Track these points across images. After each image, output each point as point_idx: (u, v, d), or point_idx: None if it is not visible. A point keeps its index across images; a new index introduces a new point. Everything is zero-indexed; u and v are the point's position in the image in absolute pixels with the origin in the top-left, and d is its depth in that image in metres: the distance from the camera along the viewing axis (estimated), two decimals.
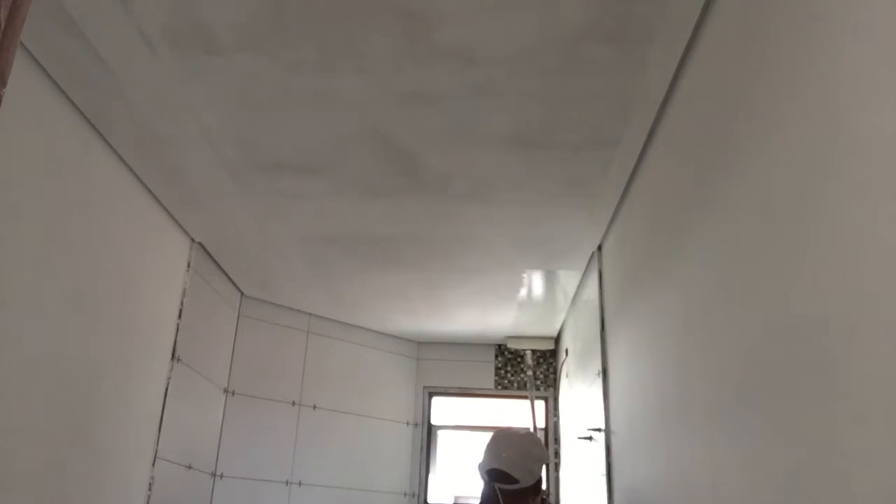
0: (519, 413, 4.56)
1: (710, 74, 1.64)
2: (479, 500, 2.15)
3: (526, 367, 4.46)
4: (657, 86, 1.93)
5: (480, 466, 2.13)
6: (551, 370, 4.62)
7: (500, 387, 4.63)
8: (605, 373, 2.79)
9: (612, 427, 2.66)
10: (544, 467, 2.22)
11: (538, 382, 4.59)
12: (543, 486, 2.20)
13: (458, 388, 4.71)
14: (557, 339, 4.47)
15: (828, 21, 1.06)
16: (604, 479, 2.66)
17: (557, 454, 4.38)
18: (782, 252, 1.19)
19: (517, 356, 4.65)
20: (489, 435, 2.27)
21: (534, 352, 4.53)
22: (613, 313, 2.73)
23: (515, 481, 2.05)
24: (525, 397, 4.52)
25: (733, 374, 1.41)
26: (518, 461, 2.09)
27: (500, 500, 2.02)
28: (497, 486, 2.03)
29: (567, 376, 4.00)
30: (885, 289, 0.88)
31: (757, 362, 1.29)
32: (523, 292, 3.72)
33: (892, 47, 0.89)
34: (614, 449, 2.62)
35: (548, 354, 4.65)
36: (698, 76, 1.72)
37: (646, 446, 2.14)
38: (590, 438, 3.00)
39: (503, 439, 2.17)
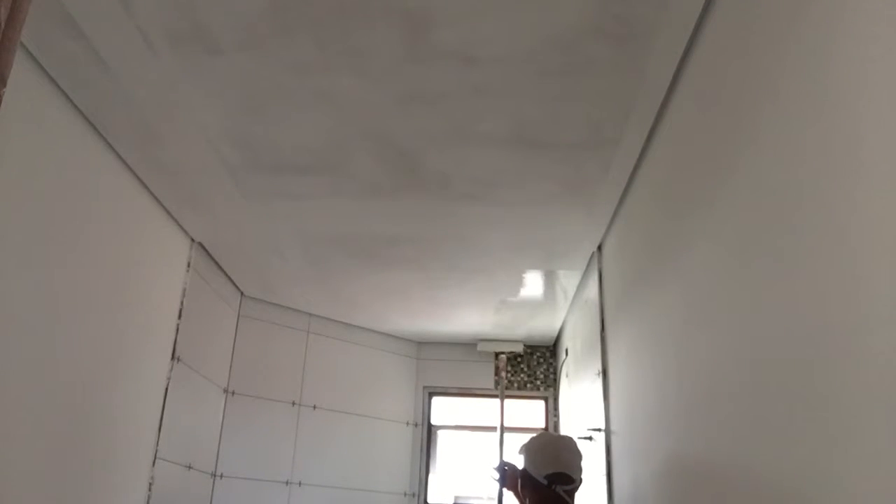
0: (518, 413, 4.56)
1: (710, 74, 1.64)
2: None
3: (497, 371, 4.35)
4: (657, 86, 1.93)
5: (534, 471, 2.12)
6: (551, 370, 4.63)
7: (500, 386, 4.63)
8: (605, 373, 2.79)
9: (612, 427, 2.66)
10: None
11: (538, 382, 4.60)
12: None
13: (458, 388, 4.71)
14: (557, 339, 4.47)
15: (827, 21, 1.06)
16: (604, 479, 2.66)
17: None
18: (783, 251, 1.19)
19: (517, 356, 4.65)
20: (533, 439, 2.24)
21: (508, 357, 4.50)
22: (613, 313, 2.73)
23: (573, 481, 2.09)
24: (528, 397, 4.53)
25: (733, 374, 1.41)
26: (574, 461, 2.13)
27: (571, 503, 2.07)
28: (561, 488, 2.06)
29: (567, 376, 4.00)
30: (887, 288, 0.88)
31: (757, 362, 1.29)
32: (523, 292, 3.72)
33: (890, 45, 0.89)
34: (614, 449, 2.62)
35: (547, 354, 4.66)
36: (698, 76, 1.72)
37: (646, 446, 2.14)
38: (590, 438, 3.00)
39: (556, 442, 2.21)
